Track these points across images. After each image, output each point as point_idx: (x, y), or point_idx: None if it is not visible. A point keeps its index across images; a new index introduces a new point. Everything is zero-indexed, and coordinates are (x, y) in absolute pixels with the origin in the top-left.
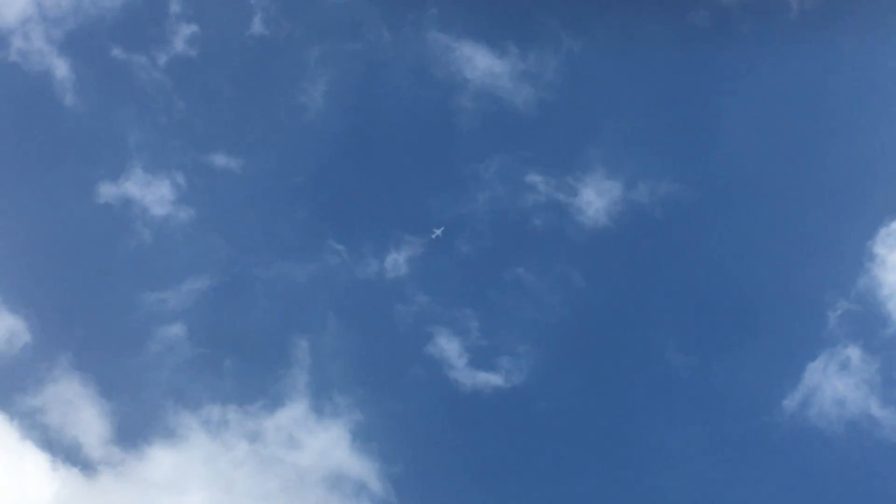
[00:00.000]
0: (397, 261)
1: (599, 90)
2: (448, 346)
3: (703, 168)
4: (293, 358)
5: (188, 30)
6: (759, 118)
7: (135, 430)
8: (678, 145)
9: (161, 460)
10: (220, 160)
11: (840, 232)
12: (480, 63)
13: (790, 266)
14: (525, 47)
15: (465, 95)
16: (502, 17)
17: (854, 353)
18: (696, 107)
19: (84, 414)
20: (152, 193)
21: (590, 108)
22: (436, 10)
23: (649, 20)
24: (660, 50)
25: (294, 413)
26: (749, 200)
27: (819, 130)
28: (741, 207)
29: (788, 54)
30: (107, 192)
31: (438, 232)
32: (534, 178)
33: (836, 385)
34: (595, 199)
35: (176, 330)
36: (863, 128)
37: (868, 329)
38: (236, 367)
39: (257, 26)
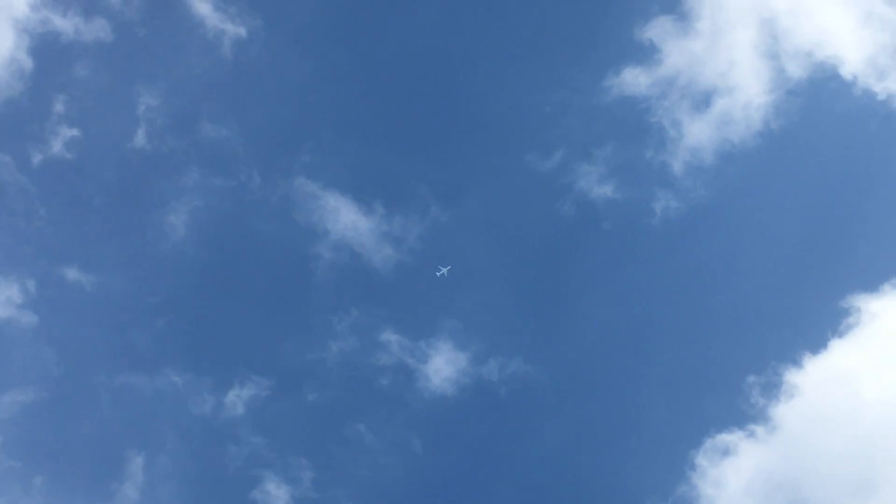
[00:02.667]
0: (238, 398)
1: (461, 262)
2: (277, 493)
3: (554, 354)
4: (127, 473)
5: (69, 133)
6: (613, 314)
7: None
8: (533, 328)
9: None
10: (73, 274)
11: (668, 437)
12: (345, 216)
13: (617, 464)
14: (392, 209)
15: (325, 245)
16: (374, 175)
17: None
18: (554, 293)
19: None
20: None
21: (449, 278)
22: (308, 157)
23: (518, 202)
24: (525, 233)
25: None
26: (590, 392)
27: (664, 335)
28: (581, 397)
29: (647, 256)
30: None
31: (444, 270)
32: (388, 337)
33: None
34: (444, 367)
35: None
36: (703, 340)
37: None
38: (57, 480)
39: (140, 139)
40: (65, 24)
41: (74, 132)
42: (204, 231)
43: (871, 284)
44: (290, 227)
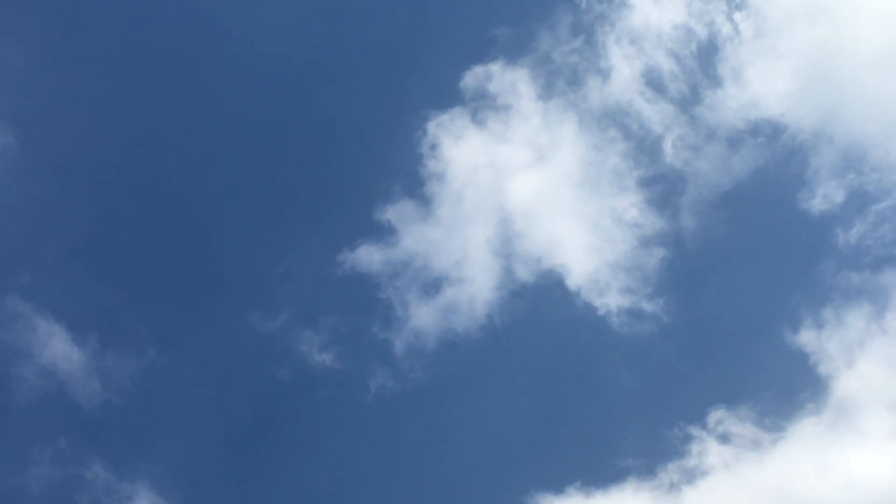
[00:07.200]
0: None
1: (171, 411)
2: None
3: None
4: None
5: None
6: (319, 482)
7: None
8: (240, 486)
9: None
10: None
11: None
12: (55, 343)
13: None
14: (106, 343)
15: (31, 370)
16: (93, 307)
17: None
18: (263, 453)
19: None
20: None
21: (157, 424)
22: (28, 278)
23: (236, 358)
24: (240, 390)
25: None
26: None
27: None
28: None
29: (357, 430)
30: None
31: None
32: (93, 473)
33: None
34: None
35: None
36: None
37: None
38: None
39: None
40: None
41: None
42: None
43: (557, 486)
44: None
